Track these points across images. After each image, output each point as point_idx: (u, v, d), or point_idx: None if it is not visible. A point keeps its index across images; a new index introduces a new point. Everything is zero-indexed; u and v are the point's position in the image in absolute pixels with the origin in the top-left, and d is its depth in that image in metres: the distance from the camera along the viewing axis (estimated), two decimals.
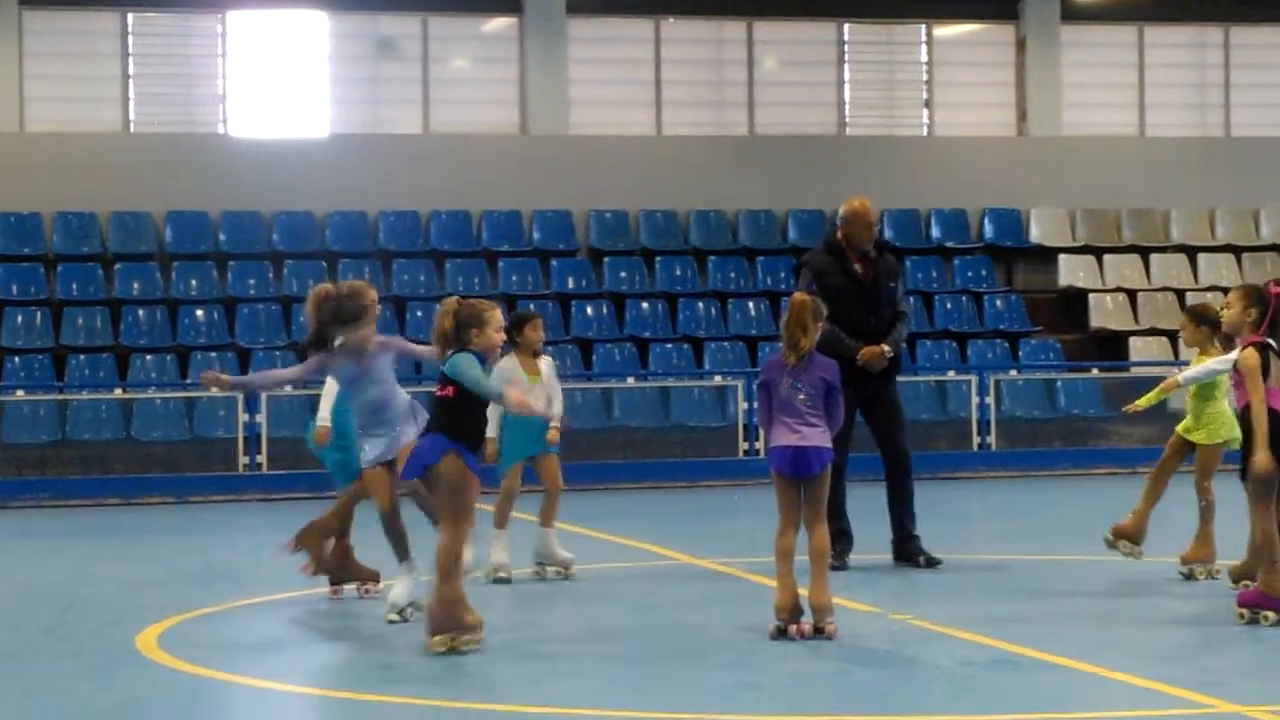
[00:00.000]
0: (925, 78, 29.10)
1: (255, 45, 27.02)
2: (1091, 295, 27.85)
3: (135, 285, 25.56)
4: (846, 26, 28.84)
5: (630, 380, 24.89)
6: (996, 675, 9.95)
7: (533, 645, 10.86)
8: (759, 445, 22.73)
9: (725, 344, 26.01)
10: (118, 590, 14.06)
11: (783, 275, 27.09)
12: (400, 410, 11.89)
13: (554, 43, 27.57)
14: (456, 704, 9.34)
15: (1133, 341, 27.21)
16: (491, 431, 12.95)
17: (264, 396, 22.71)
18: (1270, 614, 11.17)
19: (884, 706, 9.19)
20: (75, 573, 15.34)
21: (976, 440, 24.16)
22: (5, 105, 26.01)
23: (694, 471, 23.49)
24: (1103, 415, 25.43)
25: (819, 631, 10.86)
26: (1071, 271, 28.26)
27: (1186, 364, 13.80)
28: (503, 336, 11.07)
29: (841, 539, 14.01)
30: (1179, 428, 13.31)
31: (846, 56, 28.83)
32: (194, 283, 25.74)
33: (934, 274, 27.55)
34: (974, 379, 24.55)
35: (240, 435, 22.68)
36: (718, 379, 25.06)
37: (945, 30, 29.26)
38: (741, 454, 23.59)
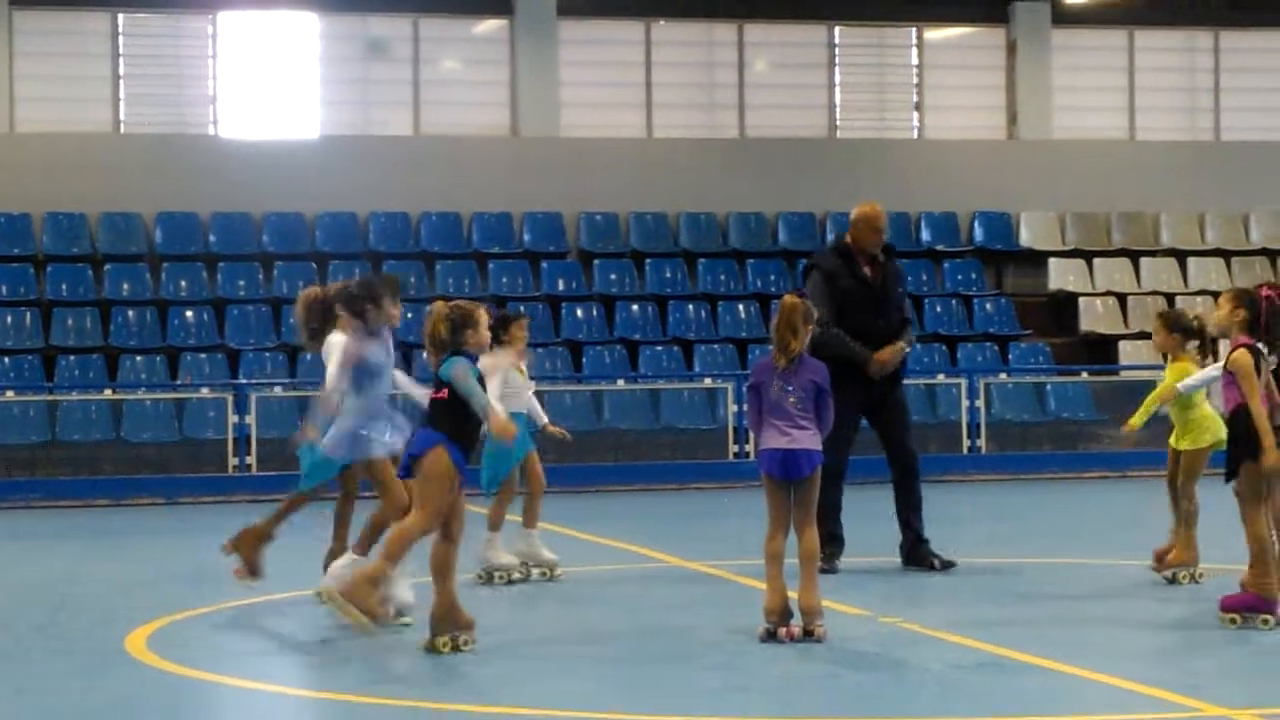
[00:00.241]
0: (916, 80, 29.12)
1: (246, 46, 27.01)
2: (1081, 299, 27.88)
3: (125, 286, 25.55)
4: (837, 29, 28.86)
5: (620, 382, 24.89)
6: (985, 678, 9.96)
7: (522, 647, 10.87)
8: (749, 448, 22.72)
9: (715, 346, 26.02)
10: (108, 591, 14.06)
11: (773, 278, 27.11)
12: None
13: (544, 45, 27.58)
14: (446, 705, 9.34)
15: (1123, 345, 27.24)
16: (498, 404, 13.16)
17: (253, 398, 22.71)
18: (1269, 618, 11.17)
19: (873, 709, 9.20)
20: (65, 573, 15.34)
21: (966, 443, 24.18)
22: None
23: (684, 474, 23.50)
24: (1092, 419, 25.46)
25: (808, 634, 10.87)
26: (1061, 275, 28.29)
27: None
28: (489, 334, 11.20)
29: (832, 543, 14.02)
30: (1170, 440, 13.31)
31: (837, 59, 28.86)
32: (184, 284, 25.73)
33: (924, 277, 27.56)
34: (964, 382, 24.57)
35: (230, 436, 22.66)
36: (708, 381, 25.07)
37: (936, 33, 29.28)
38: (731, 456, 23.60)
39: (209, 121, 27.00)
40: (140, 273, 25.70)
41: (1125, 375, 26.33)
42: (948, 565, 14.13)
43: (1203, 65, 30.05)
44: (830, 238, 27.80)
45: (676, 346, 25.94)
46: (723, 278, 27.26)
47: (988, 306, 27.41)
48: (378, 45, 27.40)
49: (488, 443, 13.46)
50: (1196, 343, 13.12)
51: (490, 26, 27.93)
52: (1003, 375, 25.91)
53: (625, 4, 28.10)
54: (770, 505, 11.07)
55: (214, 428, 23.12)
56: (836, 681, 9.95)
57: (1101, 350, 27.35)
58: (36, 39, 26.38)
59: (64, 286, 25.41)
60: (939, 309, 27.21)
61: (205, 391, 23.75)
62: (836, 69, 28.85)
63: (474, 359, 10.84)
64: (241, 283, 25.90)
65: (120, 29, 26.58)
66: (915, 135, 29.14)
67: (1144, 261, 28.59)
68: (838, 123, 28.85)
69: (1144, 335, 27.16)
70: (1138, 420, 13.33)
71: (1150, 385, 13.62)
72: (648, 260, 27.13)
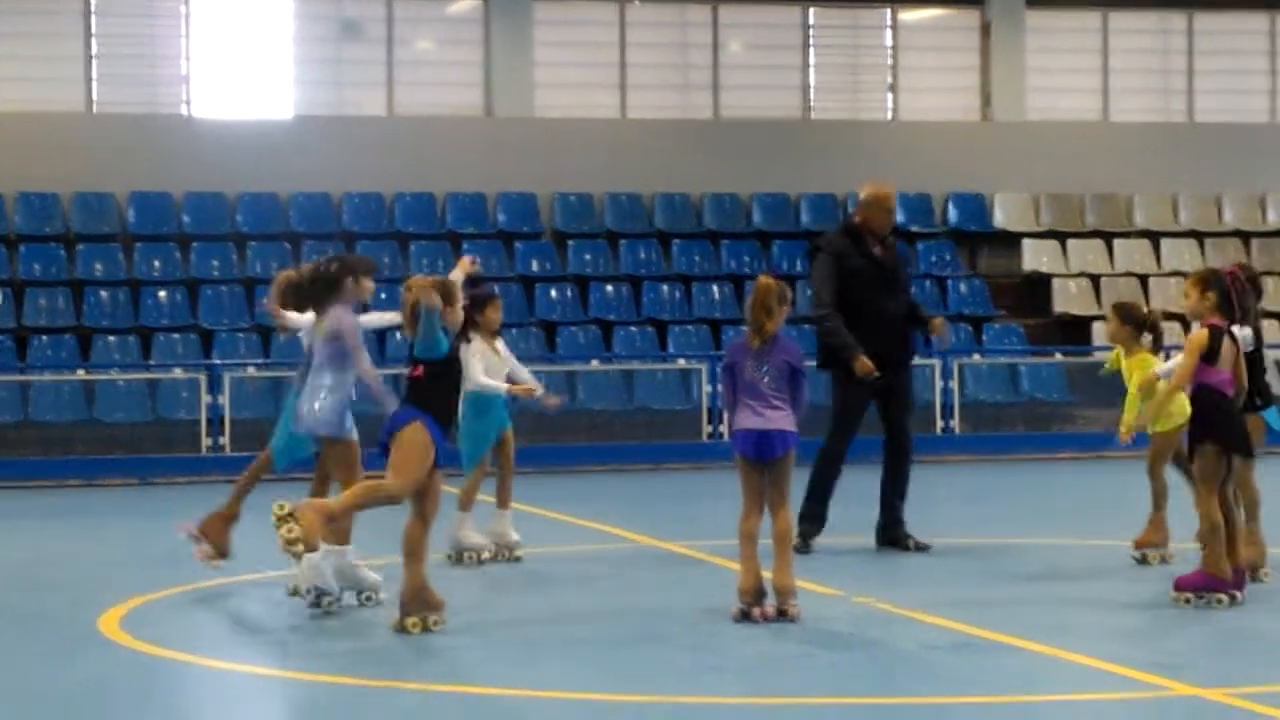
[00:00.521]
0: (890, 62, 29.12)
1: (219, 25, 26.92)
2: (1055, 280, 27.91)
3: (98, 266, 25.47)
4: (811, 10, 28.84)
5: (594, 363, 24.88)
6: (959, 658, 9.98)
7: (496, 628, 10.86)
8: (723, 428, 22.75)
9: (689, 327, 26.02)
10: (80, 571, 14.04)
11: (747, 259, 27.12)
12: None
13: (519, 25, 27.54)
14: (419, 686, 9.35)
15: (1096, 326, 27.25)
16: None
17: (226, 378, 22.67)
18: (1222, 597, 11.23)
19: (847, 689, 9.22)
20: (37, 554, 15.31)
21: (940, 424, 24.21)
22: None
23: (658, 454, 23.50)
24: (1066, 400, 25.51)
25: (782, 614, 10.88)
26: (1035, 256, 28.32)
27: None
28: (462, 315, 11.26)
29: (815, 522, 14.05)
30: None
31: (811, 41, 28.84)
32: (157, 264, 25.66)
33: None
34: (937, 363, 24.57)
35: (203, 417, 22.62)
36: (682, 362, 25.07)
37: (910, 15, 29.29)
38: (705, 437, 23.61)
39: (182, 101, 26.92)
40: (113, 253, 25.63)
41: (1098, 356, 26.32)
42: (922, 548, 14.15)
43: (1176, 47, 30.09)
44: (804, 218, 27.91)
45: (651, 327, 25.93)
46: (697, 258, 27.26)
47: (961, 287, 27.44)
48: (352, 28, 27.32)
49: (465, 422, 13.48)
50: (1150, 336, 13.15)
51: (464, 7, 27.88)
52: (976, 356, 25.93)
53: None
54: (744, 486, 11.08)
55: (187, 408, 23.08)
56: (810, 661, 9.97)
57: (1075, 331, 27.38)
58: (10, 18, 26.25)
59: (36, 266, 25.33)
60: (912, 290, 27.15)
61: (178, 372, 23.70)
62: (811, 50, 28.84)
63: (448, 333, 10.84)
64: (215, 263, 25.84)
65: (93, 8, 26.48)
66: (889, 117, 29.14)
67: (1117, 243, 28.63)
68: (812, 104, 28.84)
69: None
70: (1130, 420, 13.24)
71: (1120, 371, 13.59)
72: (622, 241, 27.12)
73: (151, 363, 24.08)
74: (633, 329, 25.85)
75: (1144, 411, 12.56)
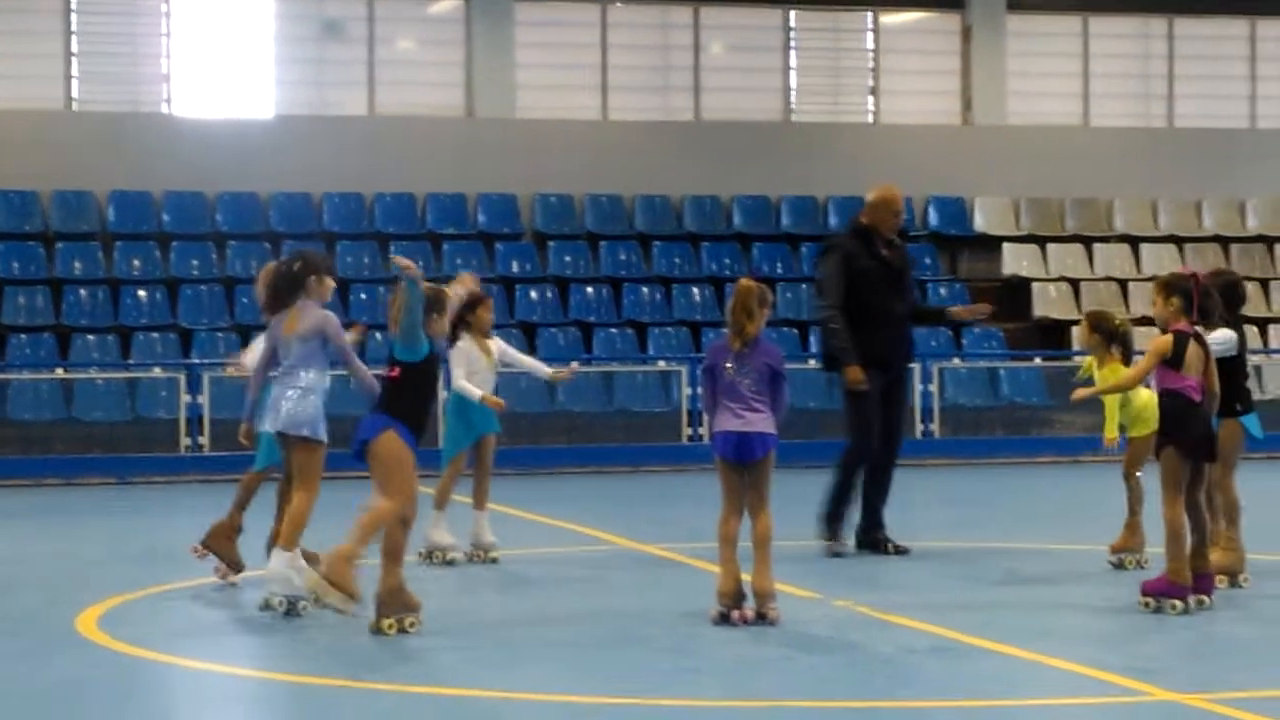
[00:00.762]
0: (871, 65, 29.16)
1: (200, 24, 26.89)
2: (1035, 284, 27.96)
3: (77, 265, 25.43)
4: (793, 13, 28.87)
5: (574, 364, 24.77)
6: (938, 662, 9.98)
7: (474, 629, 10.85)
8: (703, 430, 22.76)
9: (669, 329, 26.03)
10: (57, 571, 14.01)
11: (727, 261, 27.14)
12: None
13: (500, 26, 27.53)
14: (396, 687, 9.33)
15: (1075, 331, 27.28)
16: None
17: (205, 377, 22.64)
18: (1177, 603, 11.25)
19: (826, 693, 9.22)
20: (14, 553, 15.28)
21: (920, 428, 24.22)
22: None
23: (637, 456, 23.51)
24: (1045, 404, 25.54)
25: (761, 617, 10.88)
26: (1015, 260, 28.37)
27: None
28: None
29: (838, 522, 14.07)
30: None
31: (793, 43, 28.87)
32: (136, 263, 25.63)
33: None
34: (917, 367, 24.58)
35: (182, 416, 22.60)
36: (662, 364, 25.08)
37: (891, 18, 29.32)
38: (685, 439, 23.62)
39: (163, 100, 26.88)
40: (92, 251, 25.58)
41: (1078, 360, 26.36)
42: (901, 551, 14.16)
43: (1157, 52, 30.15)
44: (784, 221, 27.93)
45: (631, 329, 25.94)
46: (677, 260, 27.27)
47: (942, 291, 27.45)
48: (333, 28, 27.30)
49: (448, 417, 13.51)
50: (1120, 346, 13.17)
51: (446, 7, 27.87)
52: (956, 360, 25.97)
53: None
54: (724, 488, 11.08)
55: (166, 407, 23.05)
56: (789, 665, 9.97)
57: (1054, 335, 27.43)
58: None
59: (15, 264, 25.28)
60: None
61: (157, 371, 23.67)
62: (792, 53, 28.87)
63: (432, 345, 10.84)
64: (195, 262, 25.81)
65: (73, 5, 26.44)
66: (870, 120, 29.17)
67: (1097, 247, 28.69)
68: (793, 106, 28.87)
69: None
70: (1111, 429, 13.25)
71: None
72: (602, 242, 27.12)
73: (131, 362, 24.05)
74: (613, 330, 25.86)
75: (1094, 387, 12.54)
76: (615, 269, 26.91)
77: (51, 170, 25.84)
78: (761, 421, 10.97)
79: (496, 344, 14.22)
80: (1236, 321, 12.54)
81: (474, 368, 13.73)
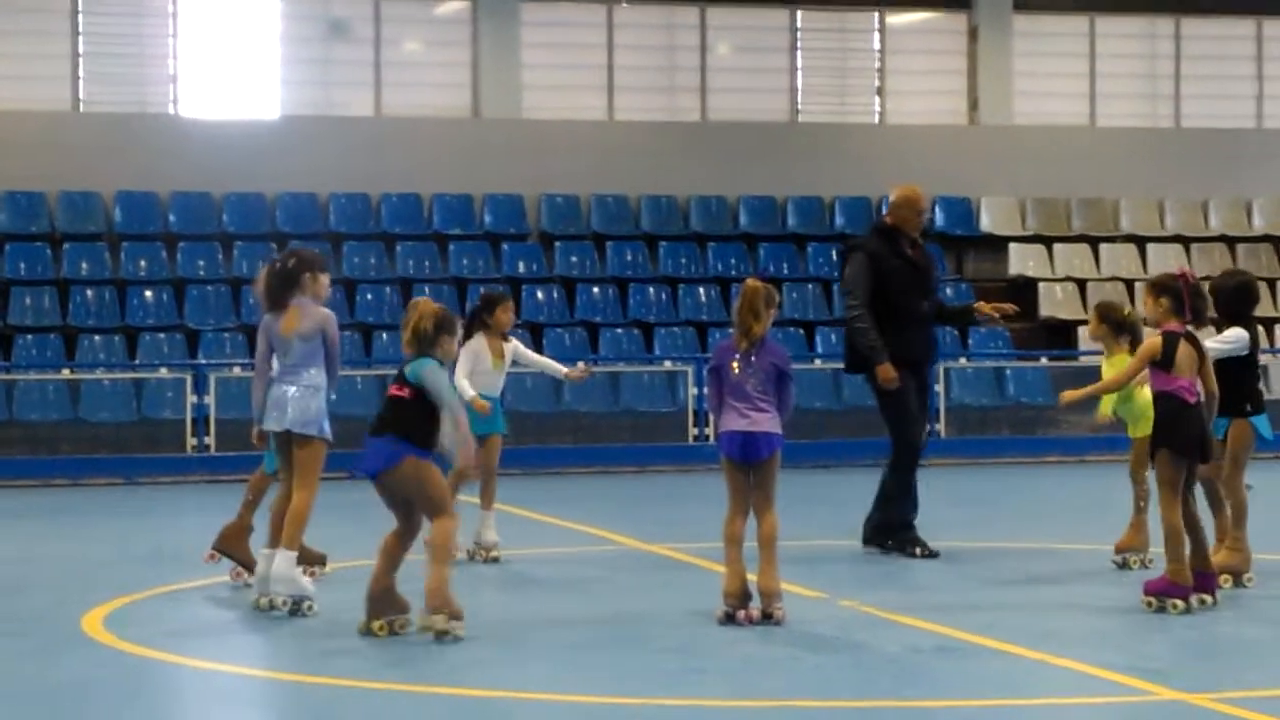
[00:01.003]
0: (877, 65, 29.14)
1: (207, 25, 26.90)
2: (1041, 284, 27.94)
3: (84, 265, 25.44)
4: (799, 13, 28.86)
5: (580, 365, 24.78)
6: (944, 662, 9.99)
7: (478, 630, 10.83)
8: (708, 430, 22.76)
9: (675, 329, 26.02)
10: (64, 571, 14.01)
11: (733, 261, 27.13)
12: None
13: (506, 26, 27.53)
14: (403, 687, 9.34)
15: (1081, 331, 27.27)
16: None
17: (212, 378, 22.65)
18: (1179, 602, 11.26)
19: (831, 692, 9.22)
20: (22, 553, 15.29)
21: (926, 427, 24.18)
22: None
23: (643, 456, 23.50)
24: (1051, 404, 25.46)
25: (767, 617, 10.89)
26: (1021, 260, 28.35)
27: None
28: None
29: (903, 528, 14.01)
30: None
31: (799, 43, 28.86)
32: (143, 263, 25.63)
33: None
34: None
35: (188, 417, 22.60)
36: (668, 364, 25.07)
37: (898, 18, 29.31)
38: (691, 439, 23.61)
39: (169, 101, 26.89)
40: (99, 252, 25.59)
41: (1084, 360, 26.36)
42: (930, 554, 14.10)
43: (1163, 52, 30.13)
44: (790, 221, 27.92)
45: (637, 329, 25.93)
46: (683, 261, 27.26)
47: (948, 291, 27.33)
48: (339, 27, 27.30)
49: None
50: (1129, 337, 13.16)
51: (452, 8, 27.87)
52: (962, 360, 25.96)
53: None
54: (729, 488, 11.09)
55: (172, 408, 23.06)
56: (795, 664, 9.97)
57: (1061, 336, 27.41)
58: None
59: (22, 265, 25.29)
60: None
61: (164, 371, 23.68)
62: (798, 53, 28.86)
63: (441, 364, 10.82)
64: (201, 263, 25.81)
65: (80, 6, 26.43)
66: (876, 120, 29.16)
67: (1103, 247, 28.67)
68: (799, 107, 28.86)
69: None
70: (1105, 407, 13.25)
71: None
72: (608, 243, 27.11)
73: (137, 362, 24.05)
74: (619, 331, 25.85)
75: (1085, 389, 12.40)
76: (621, 269, 26.90)
77: (58, 171, 25.84)
78: (767, 421, 10.98)
79: (512, 345, 14.18)
80: (1249, 321, 12.54)
81: (479, 367, 13.73)
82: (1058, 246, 28.51)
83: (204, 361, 23.64)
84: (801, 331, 26.13)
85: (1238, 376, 12.35)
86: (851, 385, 24.87)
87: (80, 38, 26.47)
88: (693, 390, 23.70)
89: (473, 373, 13.65)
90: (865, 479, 14.65)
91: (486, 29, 27.47)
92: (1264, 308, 27.34)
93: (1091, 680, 9.44)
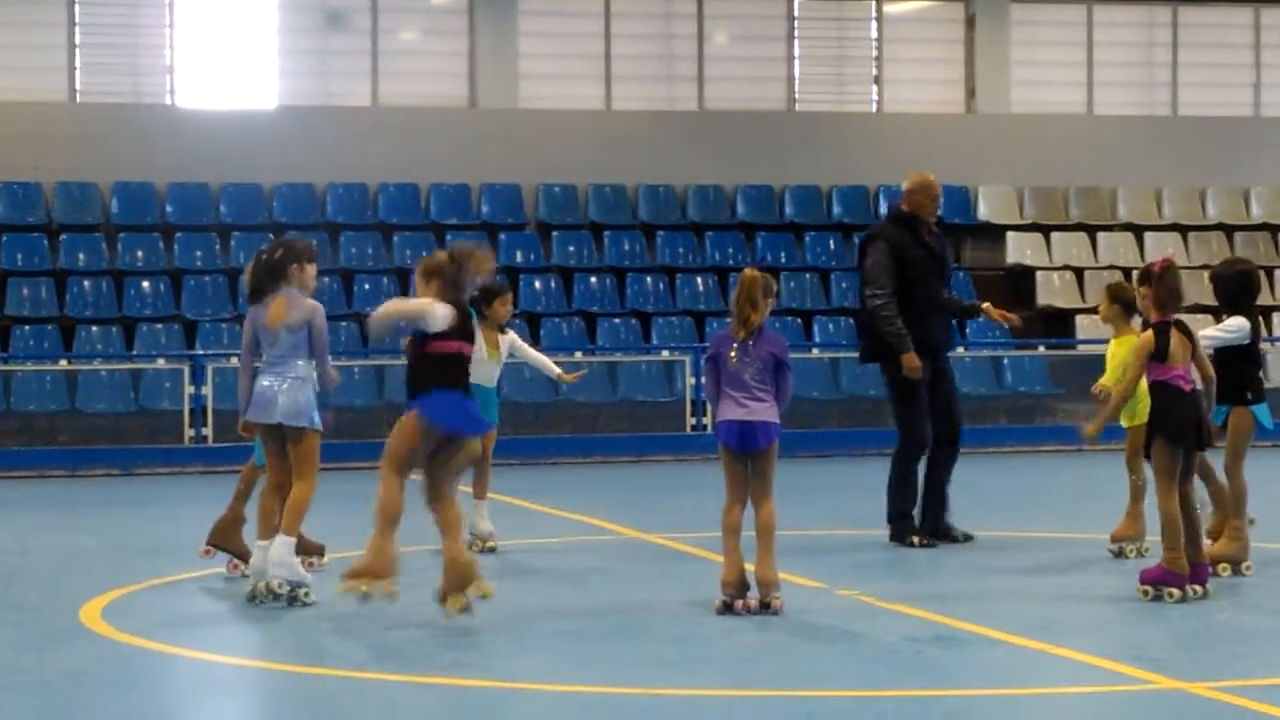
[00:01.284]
0: (875, 54, 29.12)
1: (203, 15, 26.87)
2: (1039, 273, 27.94)
3: (81, 256, 25.42)
4: (797, 2, 28.84)
5: (578, 354, 24.84)
6: (942, 651, 9.98)
7: (476, 620, 10.83)
8: (706, 420, 22.75)
9: (673, 319, 26.01)
10: (61, 562, 14.00)
11: (731, 250, 27.12)
12: None
13: (504, 16, 27.51)
14: (400, 677, 9.33)
15: (1079, 320, 27.30)
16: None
17: (209, 368, 22.64)
18: (1175, 591, 11.26)
19: (829, 682, 9.21)
20: (19, 544, 15.28)
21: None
22: None
23: (641, 446, 23.48)
24: (1049, 393, 25.53)
25: (765, 607, 10.88)
26: (1019, 249, 28.34)
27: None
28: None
29: (907, 520, 13.98)
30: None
31: (796, 32, 28.84)
32: (140, 254, 25.62)
33: None
34: None
35: (186, 407, 22.59)
36: (665, 354, 25.06)
37: (895, 7, 29.29)
38: (689, 429, 23.61)
39: (166, 91, 26.86)
40: (96, 243, 25.58)
41: (1082, 350, 26.40)
42: (968, 538, 14.07)
43: (1160, 40, 30.11)
44: (788, 210, 27.91)
45: (634, 319, 25.92)
46: (681, 250, 27.25)
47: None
48: (336, 18, 27.28)
49: None
50: (1140, 318, 13.16)
51: None
52: (960, 349, 25.94)
53: None
54: (727, 477, 11.08)
55: (170, 398, 23.05)
56: (793, 654, 9.96)
57: (1058, 324, 27.41)
58: None
59: (19, 256, 25.27)
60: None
61: (161, 362, 23.68)
62: (796, 42, 28.84)
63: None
64: (198, 253, 25.80)
65: None
66: (874, 109, 29.15)
67: (1101, 236, 28.67)
68: (797, 96, 28.84)
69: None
70: (1098, 421, 13.17)
71: (1105, 359, 13.61)
72: (606, 232, 27.10)
73: (134, 353, 24.05)
74: (616, 320, 25.84)
75: (1100, 414, 12.32)
76: (619, 259, 26.90)
77: (55, 162, 25.84)
78: (765, 411, 10.97)
79: (509, 338, 14.15)
80: (1250, 310, 12.53)
81: (474, 357, 13.67)
82: (1055, 235, 28.50)
83: (201, 352, 23.64)
84: (799, 321, 26.12)
85: (1238, 365, 12.35)
86: (849, 375, 24.91)
87: (77, 28, 26.45)
88: (690, 380, 23.70)
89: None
90: (863, 469, 14.63)
91: (484, 18, 27.45)
92: (1262, 296, 27.33)
93: (1090, 669, 9.44)
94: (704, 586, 11.39)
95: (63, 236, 25.53)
